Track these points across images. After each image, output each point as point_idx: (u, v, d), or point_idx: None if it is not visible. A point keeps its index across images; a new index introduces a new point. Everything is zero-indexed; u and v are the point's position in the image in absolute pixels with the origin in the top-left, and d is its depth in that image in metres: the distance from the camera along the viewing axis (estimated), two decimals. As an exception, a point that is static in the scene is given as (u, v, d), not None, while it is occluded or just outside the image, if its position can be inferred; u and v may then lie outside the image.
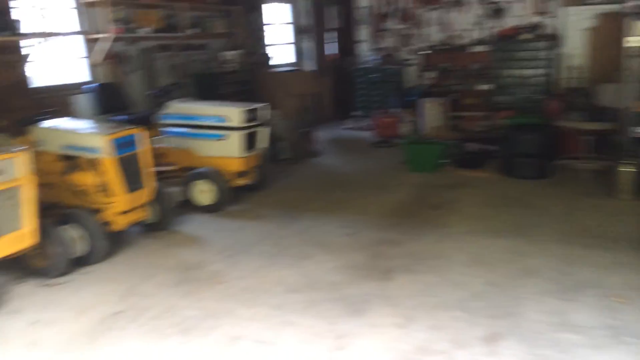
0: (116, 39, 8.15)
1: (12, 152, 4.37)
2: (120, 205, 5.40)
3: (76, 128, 5.52)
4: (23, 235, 4.52)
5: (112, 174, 5.28)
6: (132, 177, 5.49)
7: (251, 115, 6.86)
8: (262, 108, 7.08)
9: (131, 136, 5.47)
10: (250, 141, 6.93)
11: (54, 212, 5.59)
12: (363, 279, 4.77)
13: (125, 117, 7.52)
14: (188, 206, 6.75)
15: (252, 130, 6.91)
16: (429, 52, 12.09)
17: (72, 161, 5.52)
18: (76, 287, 4.80)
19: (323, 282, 4.74)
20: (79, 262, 5.15)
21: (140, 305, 4.43)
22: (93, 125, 5.76)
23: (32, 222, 4.55)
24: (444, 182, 7.80)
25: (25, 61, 7.20)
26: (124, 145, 5.39)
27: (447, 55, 11.92)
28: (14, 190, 4.42)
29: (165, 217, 6.08)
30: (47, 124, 5.66)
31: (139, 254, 5.53)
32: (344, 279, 4.80)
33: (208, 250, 5.57)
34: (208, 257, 5.39)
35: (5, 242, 4.37)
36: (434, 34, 12.09)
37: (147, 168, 5.65)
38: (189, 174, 6.79)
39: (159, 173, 6.03)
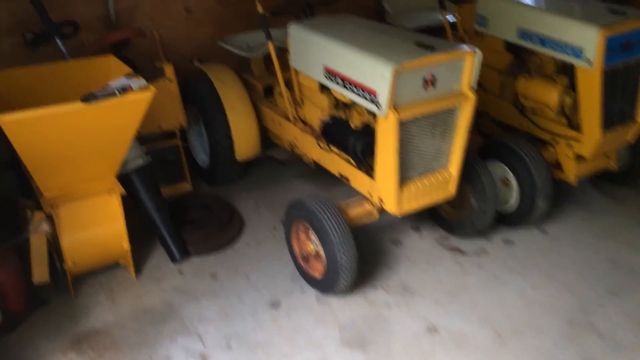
0: None
1: (461, 50, 2.57)
2: (590, 145, 3.24)
3: (547, 6, 3.37)
4: (447, 178, 2.88)
5: (594, 94, 3.09)
6: (621, 101, 3.21)
7: None
8: None
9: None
10: None
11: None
12: None
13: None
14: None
15: None
16: None
17: (525, 58, 3.53)
18: (495, 271, 3.08)
19: None
20: (501, 220, 3.39)
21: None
22: (578, 3, 3.45)
23: (459, 159, 2.85)
24: None
25: None
26: (624, 47, 3.06)
27: None
28: (451, 111, 2.72)
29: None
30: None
31: (590, 225, 3.45)
32: None
33: None
34: None
35: (425, 185, 2.82)
36: None
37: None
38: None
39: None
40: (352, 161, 2.99)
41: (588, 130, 3.21)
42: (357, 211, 2.96)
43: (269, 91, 3.84)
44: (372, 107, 2.57)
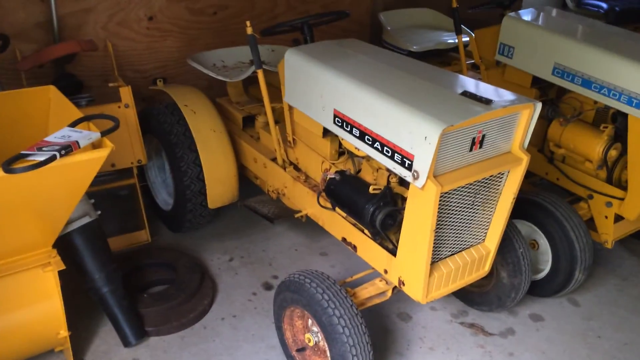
0: None
1: (519, 103, 1.97)
2: (637, 206, 2.73)
3: (595, 40, 2.81)
4: (482, 255, 2.29)
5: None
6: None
7: None
8: None
9: None
10: None
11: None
12: None
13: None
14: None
15: None
16: None
17: (556, 99, 3.02)
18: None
19: None
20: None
21: None
22: (633, 40, 2.91)
23: (500, 232, 2.27)
24: None
25: None
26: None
27: None
28: (499, 177, 2.14)
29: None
30: (527, 16, 3.12)
31: (627, 297, 2.96)
32: None
33: None
34: None
35: (458, 265, 2.22)
36: None
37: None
38: None
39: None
40: (360, 225, 2.37)
41: (637, 189, 2.71)
42: (368, 291, 2.36)
43: (249, 120, 3.19)
44: (403, 172, 1.96)
